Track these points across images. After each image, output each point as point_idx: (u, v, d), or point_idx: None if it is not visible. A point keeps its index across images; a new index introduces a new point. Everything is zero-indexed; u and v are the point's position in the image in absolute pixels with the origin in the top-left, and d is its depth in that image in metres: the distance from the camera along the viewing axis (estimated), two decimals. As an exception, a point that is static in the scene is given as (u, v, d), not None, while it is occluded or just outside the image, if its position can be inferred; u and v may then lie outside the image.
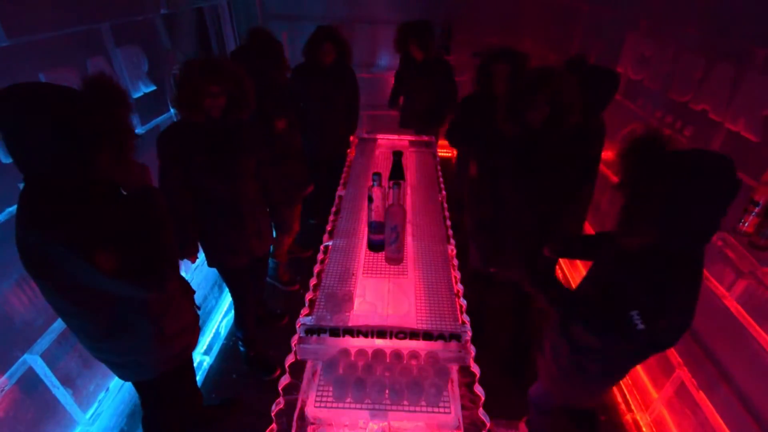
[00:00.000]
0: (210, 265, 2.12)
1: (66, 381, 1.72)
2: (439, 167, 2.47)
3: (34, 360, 1.58)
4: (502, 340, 2.57)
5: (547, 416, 1.92)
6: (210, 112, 1.76)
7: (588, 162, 2.19)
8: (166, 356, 1.48)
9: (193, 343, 1.62)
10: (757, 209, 1.59)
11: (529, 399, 1.95)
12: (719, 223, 1.14)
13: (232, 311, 2.68)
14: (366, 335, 1.28)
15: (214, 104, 1.75)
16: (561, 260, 3.34)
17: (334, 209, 2.03)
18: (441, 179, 2.32)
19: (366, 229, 1.73)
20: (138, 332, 1.36)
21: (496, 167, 2.05)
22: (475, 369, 1.28)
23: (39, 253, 1.13)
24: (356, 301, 1.47)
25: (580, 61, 2.32)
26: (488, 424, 1.17)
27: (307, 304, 1.45)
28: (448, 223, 1.92)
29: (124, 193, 1.30)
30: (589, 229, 3.05)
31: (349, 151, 2.80)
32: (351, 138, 3.01)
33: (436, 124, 3.40)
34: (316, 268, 1.62)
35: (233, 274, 2.21)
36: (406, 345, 1.28)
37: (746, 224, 1.64)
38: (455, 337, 1.26)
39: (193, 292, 1.66)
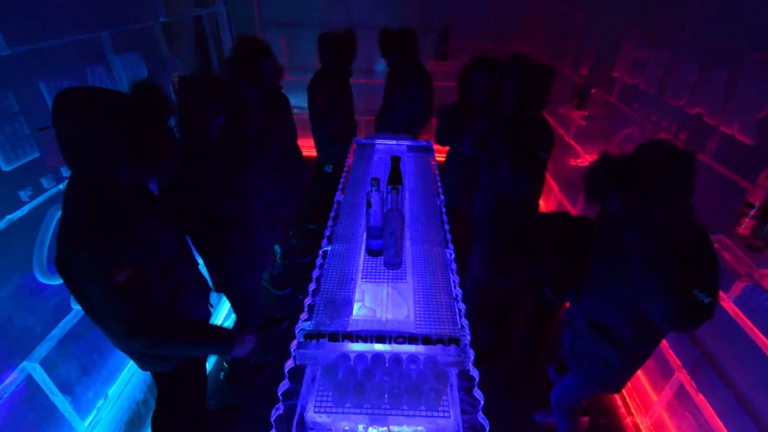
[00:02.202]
0: (218, 290, 2.04)
1: (65, 388, 1.72)
2: (437, 172, 2.48)
3: (33, 367, 1.58)
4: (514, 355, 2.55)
5: (572, 417, 1.93)
6: (212, 130, 1.73)
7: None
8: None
9: None
10: (752, 211, 1.60)
11: (553, 401, 1.96)
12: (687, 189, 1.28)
13: (231, 319, 2.68)
14: (365, 340, 1.28)
15: (214, 123, 1.72)
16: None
17: (332, 214, 2.04)
18: (439, 184, 2.33)
19: (365, 234, 1.73)
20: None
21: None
22: (474, 373, 1.28)
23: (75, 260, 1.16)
24: (355, 306, 1.47)
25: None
26: (487, 428, 1.17)
27: (306, 309, 1.45)
28: (447, 227, 1.93)
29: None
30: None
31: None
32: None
33: (412, 131, 3.38)
34: (315, 274, 1.62)
35: (242, 296, 2.17)
36: (406, 349, 1.29)
37: (742, 226, 1.65)
38: (454, 341, 1.27)
39: (210, 290, 1.69)
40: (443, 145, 2.81)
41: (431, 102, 3.26)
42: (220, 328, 1.49)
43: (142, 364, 1.53)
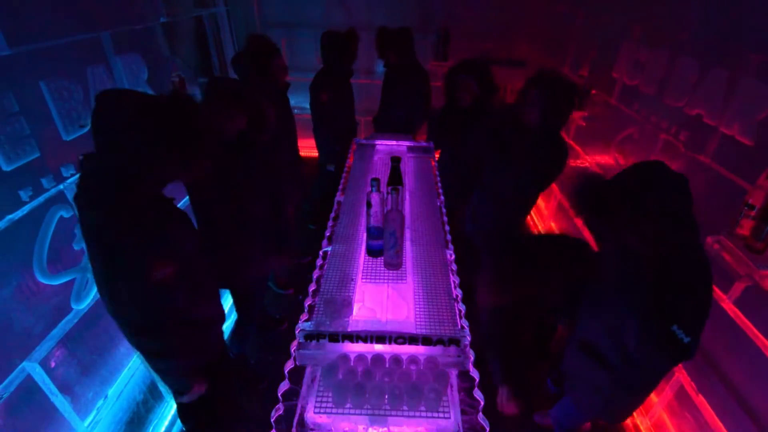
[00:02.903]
0: (222, 284, 2.09)
1: (64, 388, 1.71)
2: (437, 173, 2.48)
3: (32, 367, 1.58)
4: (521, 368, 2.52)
5: None
6: (230, 133, 1.80)
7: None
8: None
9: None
10: (752, 212, 1.60)
11: (553, 421, 1.94)
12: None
13: (231, 318, 2.68)
14: (365, 340, 1.28)
15: (233, 127, 1.79)
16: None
17: (332, 215, 2.04)
18: (439, 185, 2.33)
19: (365, 234, 1.73)
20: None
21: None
22: (475, 374, 1.28)
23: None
24: (355, 307, 1.47)
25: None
26: (488, 429, 1.17)
27: (306, 310, 1.45)
28: (447, 228, 1.93)
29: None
30: (588, 236, 3.06)
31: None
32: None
33: (411, 130, 3.40)
34: (316, 274, 1.62)
35: (250, 297, 2.22)
36: (406, 350, 1.28)
37: (742, 227, 1.65)
38: (454, 341, 1.27)
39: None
40: (436, 147, 2.83)
41: (429, 100, 3.26)
42: (190, 372, 1.52)
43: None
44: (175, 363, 1.43)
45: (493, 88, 2.55)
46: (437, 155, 2.92)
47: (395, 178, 1.68)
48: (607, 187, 1.26)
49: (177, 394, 1.55)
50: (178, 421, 2.29)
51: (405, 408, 1.18)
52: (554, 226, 3.79)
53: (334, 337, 1.28)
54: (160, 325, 1.33)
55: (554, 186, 3.95)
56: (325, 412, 1.19)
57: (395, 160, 1.72)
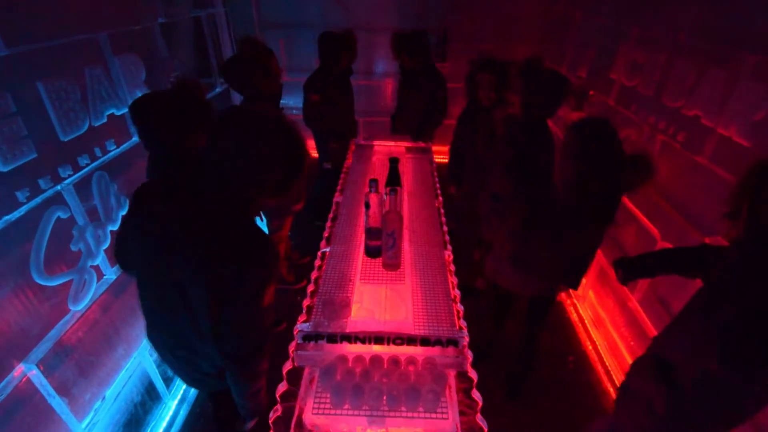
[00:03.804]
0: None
1: (62, 390, 1.71)
2: (435, 173, 2.48)
3: (29, 369, 1.57)
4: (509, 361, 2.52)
5: None
6: None
7: None
8: None
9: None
10: (750, 213, 1.60)
11: None
12: None
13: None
14: (363, 341, 1.28)
15: None
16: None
17: (331, 215, 2.04)
18: (438, 185, 2.34)
19: (363, 235, 1.73)
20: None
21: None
22: (473, 374, 1.28)
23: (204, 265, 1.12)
24: (354, 308, 1.47)
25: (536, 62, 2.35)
26: (486, 430, 1.17)
27: (304, 311, 1.45)
28: (445, 228, 1.93)
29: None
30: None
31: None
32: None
33: (426, 131, 3.42)
34: (314, 275, 1.62)
35: None
36: (404, 351, 1.29)
37: (740, 228, 1.65)
38: (452, 342, 1.27)
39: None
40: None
41: (445, 102, 3.29)
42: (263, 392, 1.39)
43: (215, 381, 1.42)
44: (264, 380, 1.33)
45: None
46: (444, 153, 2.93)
47: (394, 179, 1.68)
48: None
49: (252, 416, 1.38)
50: (176, 423, 2.29)
51: (403, 409, 1.18)
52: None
53: (333, 338, 1.28)
54: (264, 343, 1.24)
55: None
56: (323, 413, 1.18)
57: (393, 161, 1.73)
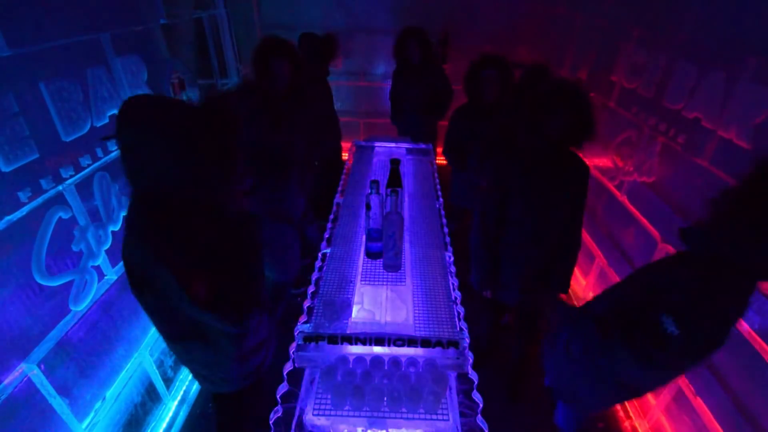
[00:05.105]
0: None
1: (63, 390, 1.71)
2: (436, 175, 2.49)
3: (30, 369, 1.57)
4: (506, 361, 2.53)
5: None
6: None
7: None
8: (245, 372, 1.47)
9: (268, 357, 1.58)
10: (750, 216, 1.61)
11: (559, 428, 1.94)
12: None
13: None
14: (364, 342, 1.28)
15: None
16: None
17: (331, 217, 2.04)
18: (438, 187, 2.34)
19: (364, 236, 1.73)
20: (216, 348, 1.35)
21: (508, 186, 1.88)
22: (473, 376, 1.28)
23: (141, 268, 1.12)
24: (354, 309, 1.47)
25: (542, 70, 2.33)
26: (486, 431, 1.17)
27: (305, 312, 1.45)
28: (446, 230, 1.93)
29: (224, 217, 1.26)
30: (585, 236, 3.07)
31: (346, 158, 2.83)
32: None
33: (433, 119, 3.49)
34: (314, 276, 1.62)
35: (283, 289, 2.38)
36: (405, 352, 1.29)
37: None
38: (453, 343, 1.27)
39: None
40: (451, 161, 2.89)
41: (450, 85, 3.40)
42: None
43: (201, 382, 1.50)
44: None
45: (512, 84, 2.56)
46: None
47: (394, 180, 1.69)
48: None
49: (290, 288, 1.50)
50: (176, 424, 2.29)
51: (404, 410, 1.18)
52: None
53: (333, 339, 1.28)
54: (243, 311, 1.26)
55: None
56: (323, 414, 1.19)
57: (394, 162, 1.73)
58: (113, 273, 1.96)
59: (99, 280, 1.85)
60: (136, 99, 1.05)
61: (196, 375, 1.49)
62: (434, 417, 1.18)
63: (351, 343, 1.28)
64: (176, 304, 1.17)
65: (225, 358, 1.38)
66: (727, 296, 1.18)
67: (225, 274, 1.17)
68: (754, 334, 1.66)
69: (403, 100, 3.54)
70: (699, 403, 1.89)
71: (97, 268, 1.86)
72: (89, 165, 1.82)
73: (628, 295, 1.39)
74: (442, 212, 2.08)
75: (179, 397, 2.41)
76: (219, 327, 1.26)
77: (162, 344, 2.29)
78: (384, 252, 1.61)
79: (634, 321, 1.29)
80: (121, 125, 1.03)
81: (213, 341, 1.32)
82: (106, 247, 1.88)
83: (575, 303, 3.13)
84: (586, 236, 3.06)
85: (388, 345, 1.28)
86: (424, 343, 1.27)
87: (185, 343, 1.33)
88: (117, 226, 1.94)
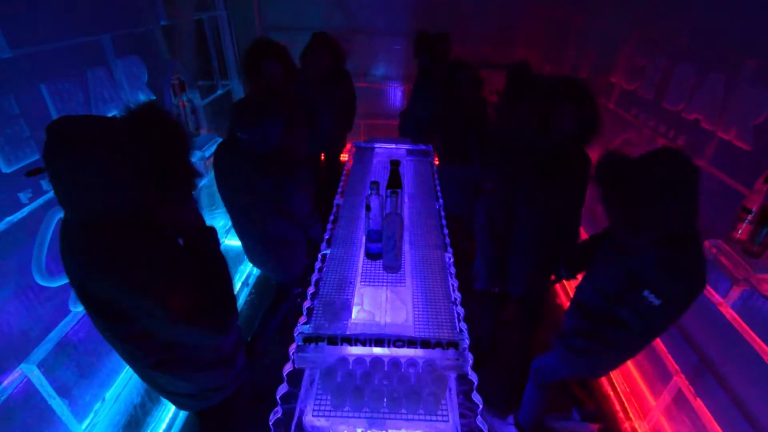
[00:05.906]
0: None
1: (62, 391, 1.71)
2: (436, 176, 2.49)
3: (30, 370, 1.57)
4: (509, 356, 2.54)
5: (544, 390, 2.00)
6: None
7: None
8: (234, 373, 1.43)
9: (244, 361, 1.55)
10: (749, 217, 1.61)
11: (532, 369, 2.00)
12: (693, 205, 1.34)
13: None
14: (364, 343, 1.28)
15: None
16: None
17: (331, 218, 2.04)
18: (438, 188, 2.34)
19: (364, 237, 1.74)
20: (198, 362, 1.30)
21: (515, 179, 1.91)
22: (473, 377, 1.28)
23: (105, 298, 1.06)
24: (354, 310, 1.47)
25: (523, 67, 2.34)
26: (486, 432, 1.17)
27: (305, 313, 1.45)
28: (446, 231, 1.93)
29: (175, 235, 1.20)
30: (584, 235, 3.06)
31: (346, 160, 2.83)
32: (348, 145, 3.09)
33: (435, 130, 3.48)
34: (314, 277, 1.62)
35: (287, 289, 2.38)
36: (404, 353, 1.29)
37: (740, 231, 1.66)
38: (453, 344, 1.27)
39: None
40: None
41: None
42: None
43: (189, 402, 1.42)
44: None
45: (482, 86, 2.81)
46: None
47: (394, 182, 1.69)
48: (630, 165, 1.35)
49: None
50: (175, 425, 2.28)
51: (404, 411, 1.18)
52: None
53: (333, 340, 1.28)
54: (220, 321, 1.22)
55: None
56: (323, 415, 1.19)
57: (394, 164, 1.73)
58: (113, 274, 1.96)
59: (99, 281, 1.85)
60: (58, 123, 0.97)
61: (179, 398, 1.39)
62: (434, 418, 1.18)
63: (351, 344, 1.28)
64: (154, 327, 1.12)
65: (211, 367, 1.33)
66: (686, 258, 1.36)
67: (198, 286, 1.13)
68: (753, 335, 1.66)
69: (412, 106, 3.59)
70: (699, 405, 1.88)
71: (97, 269, 1.86)
72: (90, 166, 1.82)
73: (609, 283, 1.54)
74: (442, 213, 2.08)
75: (179, 398, 2.41)
76: (203, 340, 1.24)
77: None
78: (384, 253, 1.61)
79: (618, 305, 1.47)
80: (46, 151, 0.96)
81: (194, 357, 1.27)
82: (107, 248, 1.88)
83: (569, 292, 3.13)
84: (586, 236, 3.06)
85: (388, 346, 1.28)
86: (424, 344, 1.27)
87: (167, 367, 1.25)
88: (117, 227, 1.94)
